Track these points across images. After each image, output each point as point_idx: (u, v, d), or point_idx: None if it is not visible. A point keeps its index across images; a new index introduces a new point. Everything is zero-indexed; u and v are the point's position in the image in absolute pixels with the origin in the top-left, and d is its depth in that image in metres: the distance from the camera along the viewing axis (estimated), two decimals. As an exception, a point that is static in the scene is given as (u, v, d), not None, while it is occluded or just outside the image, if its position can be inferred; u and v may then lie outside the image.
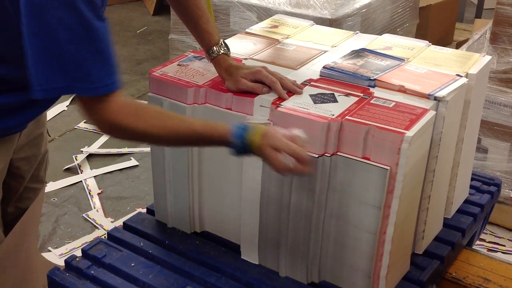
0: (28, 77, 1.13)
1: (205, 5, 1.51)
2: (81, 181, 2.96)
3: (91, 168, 3.07)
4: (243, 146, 1.22)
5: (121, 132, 1.22)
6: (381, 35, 1.71)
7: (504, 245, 2.55)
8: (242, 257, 1.45)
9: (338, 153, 1.25)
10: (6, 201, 1.60)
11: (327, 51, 1.60)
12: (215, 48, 1.44)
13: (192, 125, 1.24)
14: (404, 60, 1.52)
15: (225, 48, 1.45)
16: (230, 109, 1.37)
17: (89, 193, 2.86)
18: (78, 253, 1.48)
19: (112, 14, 5.25)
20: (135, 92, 3.88)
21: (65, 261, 1.45)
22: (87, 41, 1.13)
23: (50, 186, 2.88)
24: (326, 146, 1.24)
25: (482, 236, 2.53)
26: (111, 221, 2.66)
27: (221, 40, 1.47)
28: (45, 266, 1.77)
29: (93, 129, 3.43)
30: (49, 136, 1.76)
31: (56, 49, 1.11)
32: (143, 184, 2.94)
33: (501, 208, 2.53)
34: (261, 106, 1.33)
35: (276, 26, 1.77)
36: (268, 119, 1.31)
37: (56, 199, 2.81)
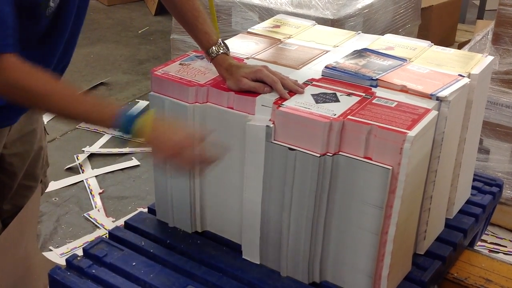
0: None
1: (201, 6, 1.51)
2: (83, 180, 2.96)
3: (92, 168, 3.07)
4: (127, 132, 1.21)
5: (14, 90, 1.20)
6: (383, 35, 1.71)
7: (506, 246, 2.55)
8: (243, 256, 1.45)
9: (340, 153, 1.24)
10: (0, 199, 1.61)
11: (329, 51, 1.60)
12: (214, 48, 1.44)
13: (81, 107, 1.21)
14: (406, 60, 1.51)
15: (225, 48, 1.45)
16: (231, 108, 1.36)
17: (91, 193, 2.86)
18: (79, 253, 1.48)
19: (114, 14, 5.26)
20: (137, 91, 3.88)
21: (66, 260, 1.45)
22: None
23: (51, 186, 2.88)
24: (328, 146, 1.24)
25: (484, 237, 2.52)
26: (112, 221, 2.66)
27: (220, 39, 1.46)
28: (46, 265, 1.77)
29: (94, 129, 3.43)
30: (47, 134, 1.76)
31: None
32: (144, 184, 2.94)
33: (502, 209, 2.53)
34: (262, 105, 1.32)
35: (278, 26, 1.76)
36: None
37: (57, 199, 2.82)
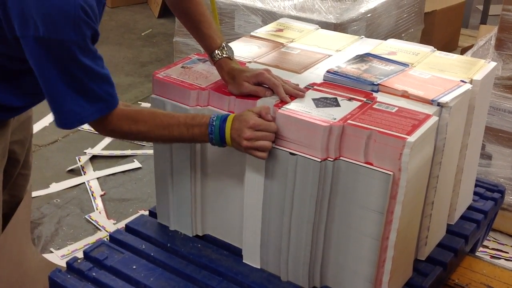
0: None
1: (208, 10, 1.52)
2: (84, 182, 2.96)
3: (94, 170, 3.07)
4: (219, 141, 1.30)
5: (123, 135, 1.37)
6: (386, 40, 1.71)
7: (508, 252, 2.54)
8: (244, 261, 1.44)
9: (340, 158, 1.24)
10: (1, 189, 1.61)
11: (331, 55, 1.60)
12: (217, 52, 1.45)
13: (178, 119, 1.32)
14: (408, 65, 1.51)
15: (228, 52, 1.45)
16: (232, 112, 1.36)
17: (92, 195, 2.86)
18: (80, 255, 1.48)
19: (117, 17, 5.26)
20: (139, 94, 3.88)
21: (67, 263, 1.45)
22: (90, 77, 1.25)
23: (53, 187, 2.88)
24: (328, 151, 1.23)
25: (486, 242, 2.52)
26: (113, 223, 2.66)
27: (224, 43, 1.46)
28: (46, 267, 1.77)
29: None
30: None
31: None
32: (145, 186, 2.94)
33: (504, 215, 2.52)
34: (264, 109, 1.32)
35: (281, 30, 1.76)
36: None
37: (58, 200, 2.82)
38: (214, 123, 1.29)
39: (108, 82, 1.27)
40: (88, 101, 1.25)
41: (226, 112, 1.36)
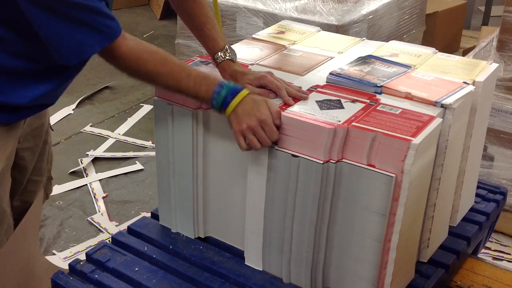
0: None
1: (211, 12, 1.52)
2: (86, 184, 2.96)
3: (96, 172, 3.07)
4: (219, 107, 1.31)
5: (132, 73, 1.36)
6: (387, 41, 1.71)
7: (510, 254, 2.54)
8: (246, 263, 1.44)
9: (343, 160, 1.24)
10: (11, 194, 1.61)
11: (333, 57, 1.60)
12: (220, 54, 1.45)
13: (189, 72, 1.34)
14: (410, 67, 1.51)
15: (231, 54, 1.45)
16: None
17: (94, 197, 2.86)
18: (83, 257, 1.48)
19: (119, 18, 5.22)
20: (141, 96, 3.88)
21: (69, 265, 1.45)
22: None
23: (55, 189, 2.88)
24: (331, 153, 1.23)
25: (488, 244, 2.51)
26: (115, 225, 2.66)
27: (227, 46, 1.47)
28: (49, 269, 1.77)
29: (98, 133, 3.44)
30: (52, 130, 1.78)
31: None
32: (148, 188, 2.94)
33: (507, 216, 2.52)
34: (266, 111, 1.32)
35: (282, 32, 1.77)
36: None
37: (61, 202, 2.82)
38: (221, 93, 1.30)
39: (100, 13, 1.28)
40: (84, 34, 1.26)
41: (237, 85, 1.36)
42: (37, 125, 1.62)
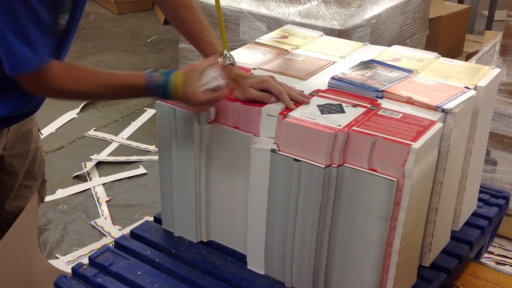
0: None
1: (206, 19, 1.51)
2: (90, 188, 2.97)
3: (99, 176, 3.08)
4: (163, 94, 1.34)
5: (61, 94, 1.38)
6: (390, 46, 1.72)
7: (513, 258, 2.53)
8: (248, 267, 1.45)
9: (345, 164, 1.25)
10: (2, 200, 1.62)
11: (336, 62, 1.61)
12: (220, 60, 1.45)
13: (116, 80, 1.35)
14: (412, 71, 1.52)
15: (230, 59, 1.46)
16: (237, 127, 1.37)
17: (98, 201, 2.87)
18: (86, 261, 1.49)
19: (123, 23, 5.29)
20: (145, 100, 3.89)
21: (72, 268, 1.46)
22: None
23: (59, 193, 2.90)
24: (332, 157, 1.24)
25: (491, 249, 2.51)
26: (118, 229, 2.67)
27: (225, 51, 1.47)
28: (52, 273, 1.78)
29: (102, 137, 3.45)
30: (41, 134, 1.79)
31: None
32: (151, 192, 2.95)
33: (509, 221, 2.52)
34: (268, 115, 1.33)
35: (285, 37, 1.77)
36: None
37: (64, 206, 2.83)
38: (158, 84, 1.32)
39: (25, 41, 1.24)
40: (6, 55, 1.25)
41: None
42: (24, 130, 1.62)
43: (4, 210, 1.65)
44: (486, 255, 2.39)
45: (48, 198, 2.83)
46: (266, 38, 1.76)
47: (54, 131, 3.47)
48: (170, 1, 1.49)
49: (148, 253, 1.50)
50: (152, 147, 3.35)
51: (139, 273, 1.43)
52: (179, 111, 1.42)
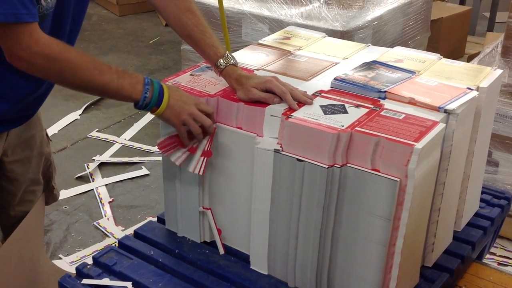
0: None
1: (206, 22, 1.52)
2: (93, 189, 2.98)
3: (102, 177, 3.09)
4: (152, 106, 1.35)
5: (45, 65, 1.27)
6: (392, 47, 1.72)
7: (515, 259, 2.54)
8: (251, 267, 1.45)
9: (348, 165, 1.25)
10: (7, 205, 1.63)
11: (338, 63, 1.61)
12: (222, 61, 1.45)
13: (109, 65, 1.34)
14: (415, 72, 1.52)
15: (233, 60, 1.46)
16: (240, 127, 1.38)
17: (100, 202, 2.88)
18: (89, 261, 1.50)
19: (126, 25, 5.30)
20: (147, 101, 3.90)
21: (76, 268, 1.46)
22: None
23: (62, 194, 2.90)
24: (335, 157, 1.24)
25: (493, 249, 2.51)
26: (121, 230, 2.67)
27: (227, 52, 1.48)
28: (55, 273, 1.78)
29: (105, 138, 3.45)
30: (50, 140, 1.79)
31: None
32: (153, 193, 2.95)
33: (511, 222, 2.52)
34: (271, 115, 1.34)
35: (288, 38, 1.78)
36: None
37: (67, 207, 2.84)
38: (153, 92, 1.33)
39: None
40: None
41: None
42: (27, 137, 1.62)
43: (9, 215, 1.65)
44: (488, 256, 2.39)
45: (51, 199, 2.85)
46: (269, 39, 1.77)
47: (56, 132, 3.48)
48: (172, 5, 1.50)
49: (152, 253, 1.50)
50: (155, 148, 3.35)
51: (142, 272, 1.43)
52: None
